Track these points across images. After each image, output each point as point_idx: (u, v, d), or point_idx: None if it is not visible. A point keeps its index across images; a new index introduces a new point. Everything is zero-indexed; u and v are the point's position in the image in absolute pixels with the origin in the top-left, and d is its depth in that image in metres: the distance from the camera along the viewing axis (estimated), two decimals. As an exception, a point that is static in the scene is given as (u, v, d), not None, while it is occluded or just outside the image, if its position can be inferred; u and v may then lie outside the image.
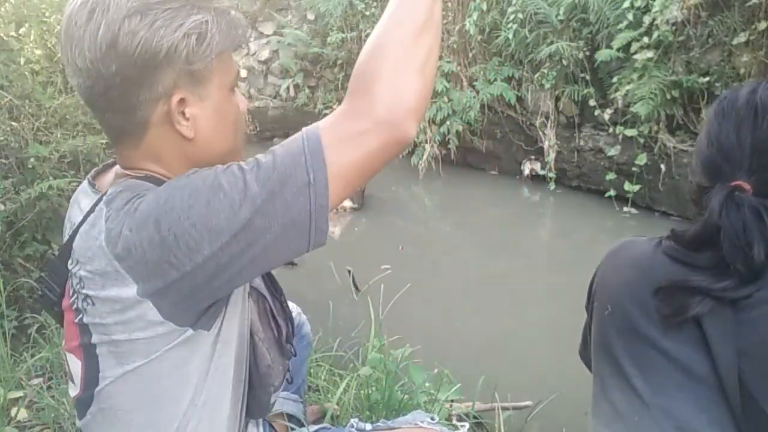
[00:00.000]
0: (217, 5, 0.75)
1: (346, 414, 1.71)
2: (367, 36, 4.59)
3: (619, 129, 4.73)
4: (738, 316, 0.77)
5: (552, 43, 4.89)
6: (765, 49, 3.83)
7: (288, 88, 7.22)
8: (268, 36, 7.37)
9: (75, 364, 0.80)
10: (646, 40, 4.30)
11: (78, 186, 0.89)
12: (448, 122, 5.64)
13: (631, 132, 4.63)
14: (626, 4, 4.34)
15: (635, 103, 4.35)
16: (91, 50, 0.70)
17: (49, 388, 1.84)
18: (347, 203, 5.11)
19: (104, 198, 0.75)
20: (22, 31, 3.20)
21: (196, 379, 0.78)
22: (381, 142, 0.69)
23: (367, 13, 6.36)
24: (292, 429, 1.24)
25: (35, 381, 1.90)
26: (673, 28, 4.15)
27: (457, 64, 5.73)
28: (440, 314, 3.33)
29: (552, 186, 5.40)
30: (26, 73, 2.91)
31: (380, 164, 0.72)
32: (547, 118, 5.33)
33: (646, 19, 4.27)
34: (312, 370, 2.04)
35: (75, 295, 0.76)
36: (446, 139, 5.71)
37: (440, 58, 5.70)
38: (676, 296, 0.80)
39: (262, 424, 1.07)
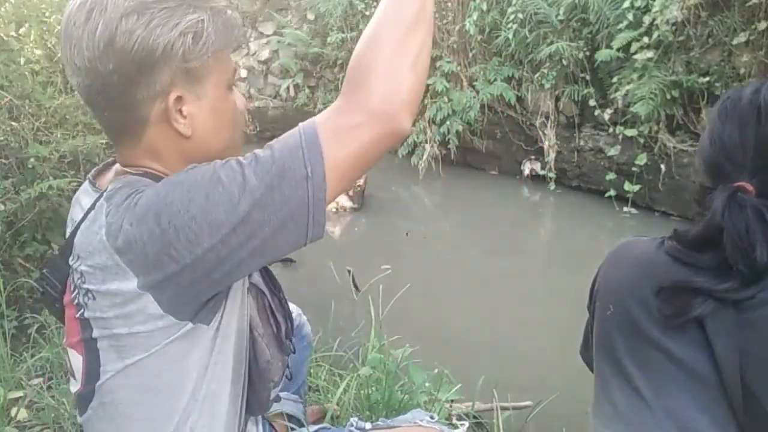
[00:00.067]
0: (214, 4, 0.76)
1: (346, 414, 1.71)
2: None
3: (619, 129, 4.74)
4: (740, 317, 0.77)
5: (552, 43, 4.90)
6: (765, 49, 3.83)
7: (288, 88, 7.22)
8: (268, 36, 7.37)
9: (76, 359, 0.81)
10: (646, 40, 4.30)
11: (78, 186, 0.90)
12: (448, 122, 5.64)
13: (631, 132, 4.63)
14: (626, 4, 4.34)
15: (635, 103, 4.35)
16: (89, 49, 0.71)
17: (49, 388, 1.84)
18: (347, 203, 5.11)
19: (104, 194, 0.77)
20: (22, 31, 3.20)
21: (196, 373, 0.78)
22: (376, 134, 0.70)
23: (367, 13, 6.36)
24: (292, 429, 1.24)
25: (35, 381, 1.90)
26: (673, 28, 4.15)
27: (457, 64, 5.72)
28: (440, 314, 3.32)
29: (552, 186, 5.40)
30: (26, 73, 2.92)
31: (376, 157, 0.73)
32: (547, 118, 5.33)
33: (646, 19, 4.27)
34: (312, 370, 2.03)
35: (76, 291, 0.77)
36: (446, 139, 5.70)
37: (440, 58, 5.70)
38: (678, 297, 0.80)
39: (262, 424, 1.07)
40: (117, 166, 0.85)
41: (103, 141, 2.87)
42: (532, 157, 5.67)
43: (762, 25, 3.76)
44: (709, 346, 0.78)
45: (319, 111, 0.74)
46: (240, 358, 0.86)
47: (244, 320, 0.85)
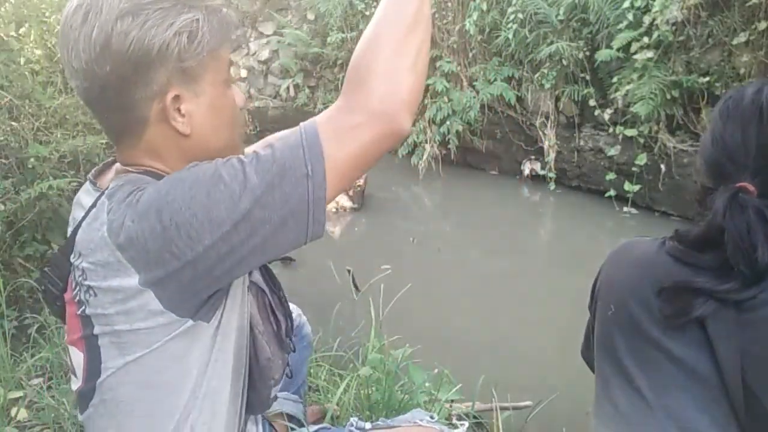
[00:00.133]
0: (209, 3, 0.77)
1: (346, 414, 1.71)
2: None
3: (619, 129, 4.73)
4: (741, 318, 0.77)
5: (552, 43, 4.89)
6: (765, 49, 3.83)
7: (288, 88, 7.22)
8: (268, 36, 7.37)
9: (77, 356, 0.81)
10: (646, 40, 4.30)
11: (78, 186, 0.91)
12: (448, 122, 5.64)
13: (631, 132, 4.63)
14: (626, 4, 4.34)
15: (635, 103, 4.35)
16: (86, 51, 0.72)
17: (49, 388, 1.84)
18: (347, 203, 5.11)
19: (106, 192, 0.77)
20: (22, 31, 3.21)
21: (196, 370, 0.79)
22: (376, 134, 0.71)
23: (367, 13, 6.36)
24: (292, 429, 1.24)
25: (35, 381, 1.90)
26: (673, 28, 4.15)
27: (457, 64, 5.72)
28: (440, 314, 3.32)
29: (552, 186, 5.40)
30: (26, 73, 2.92)
31: (376, 156, 0.74)
32: (547, 118, 5.33)
33: (646, 19, 4.27)
34: (312, 370, 2.03)
35: (77, 288, 0.77)
36: (446, 139, 5.70)
37: (440, 58, 5.70)
38: (679, 297, 0.80)
39: (262, 424, 1.07)
40: (117, 165, 0.85)
41: (103, 141, 2.88)
42: (532, 157, 5.67)
43: (762, 25, 3.76)
44: (709, 346, 0.78)
45: (319, 111, 0.75)
46: (240, 356, 0.86)
47: (244, 318, 0.86)
